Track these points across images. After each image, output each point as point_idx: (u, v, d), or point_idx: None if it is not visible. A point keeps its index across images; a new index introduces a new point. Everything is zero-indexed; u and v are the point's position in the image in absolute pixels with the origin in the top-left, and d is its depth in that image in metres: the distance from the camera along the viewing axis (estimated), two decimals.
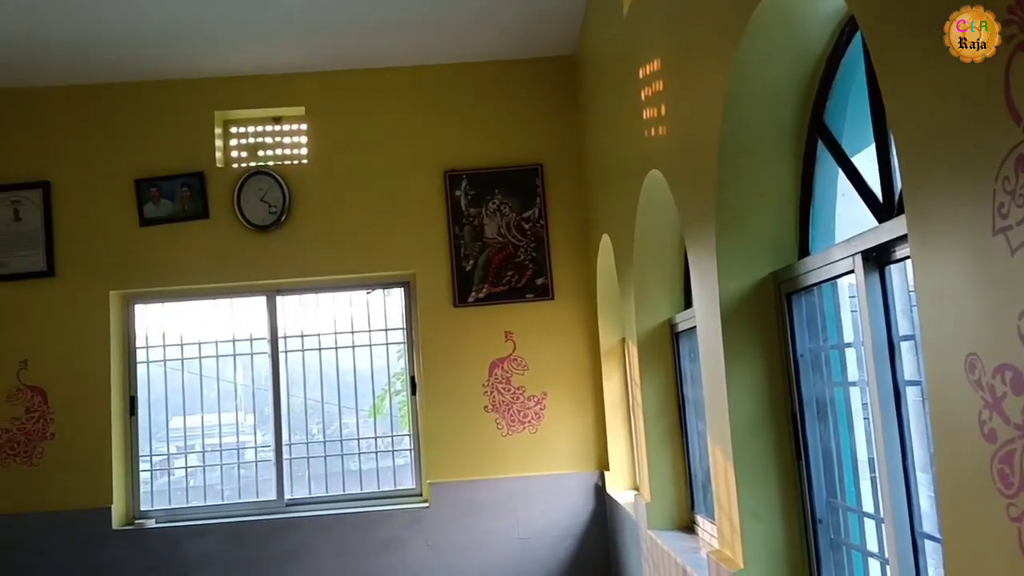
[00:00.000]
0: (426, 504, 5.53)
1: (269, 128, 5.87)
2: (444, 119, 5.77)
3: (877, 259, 1.95)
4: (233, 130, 5.86)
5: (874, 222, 2.01)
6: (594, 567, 5.44)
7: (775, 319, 2.46)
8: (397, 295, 5.93)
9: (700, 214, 2.61)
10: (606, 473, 5.44)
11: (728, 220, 2.43)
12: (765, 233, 2.44)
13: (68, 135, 5.69)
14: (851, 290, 2.25)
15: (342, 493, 5.82)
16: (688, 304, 3.91)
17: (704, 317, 2.68)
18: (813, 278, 2.28)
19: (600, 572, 5.43)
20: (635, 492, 5.09)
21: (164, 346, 5.85)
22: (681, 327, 3.83)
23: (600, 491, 5.51)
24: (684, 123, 2.80)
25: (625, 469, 5.37)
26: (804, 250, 2.44)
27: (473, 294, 5.63)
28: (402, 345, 5.94)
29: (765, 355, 2.45)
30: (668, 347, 3.95)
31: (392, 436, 5.92)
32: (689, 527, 3.85)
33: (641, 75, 3.40)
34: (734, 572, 2.42)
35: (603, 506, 5.48)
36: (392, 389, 6.13)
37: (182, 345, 5.87)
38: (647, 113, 3.35)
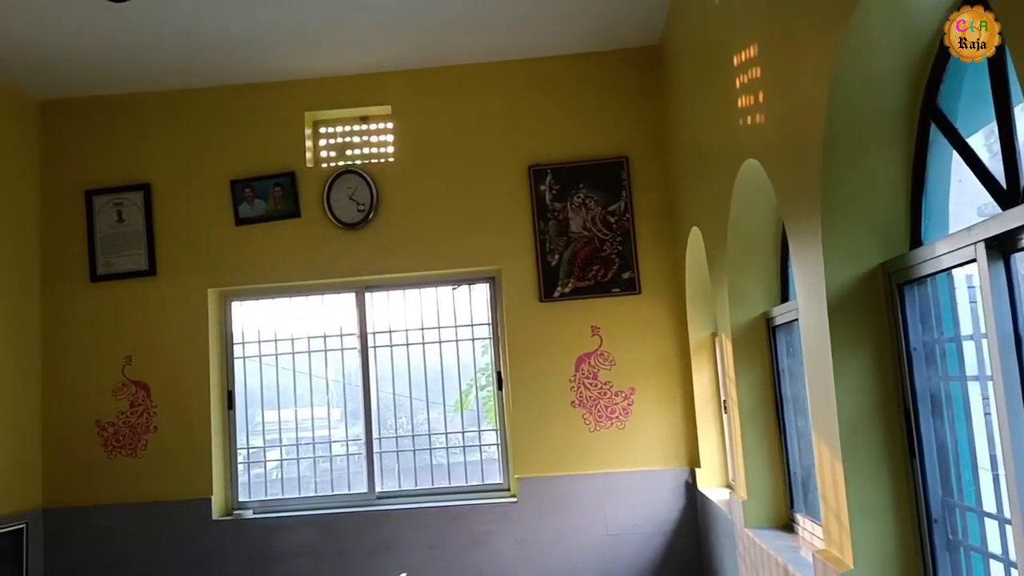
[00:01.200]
0: (514, 499, 5.55)
1: (356, 127, 5.97)
2: (528, 114, 5.77)
3: (1001, 247, 1.86)
4: (322, 130, 5.99)
5: (993, 210, 1.91)
6: (685, 565, 5.36)
7: (885, 311, 2.37)
8: (482, 290, 5.96)
9: (803, 203, 2.54)
10: (697, 470, 5.35)
11: (835, 209, 2.35)
12: (874, 222, 2.35)
13: (167, 139, 5.91)
14: (969, 280, 2.15)
15: (431, 487, 5.89)
16: (784, 297, 3.81)
17: (808, 310, 2.60)
18: (929, 268, 2.19)
19: (691, 570, 5.35)
20: (729, 490, 5.01)
21: (259, 342, 6.02)
22: (779, 321, 3.73)
23: (691, 488, 5.43)
24: (785, 110, 2.73)
25: (717, 466, 5.28)
26: (915, 239, 2.34)
27: (559, 289, 5.62)
28: (487, 340, 5.96)
29: (875, 348, 2.36)
30: (764, 341, 3.86)
31: (479, 431, 5.95)
32: (787, 526, 3.76)
33: (736, 62, 3.32)
34: (843, 572, 2.34)
35: (694, 503, 5.40)
36: (478, 384, 6.16)
37: (276, 341, 6.03)
38: (742, 101, 3.27)
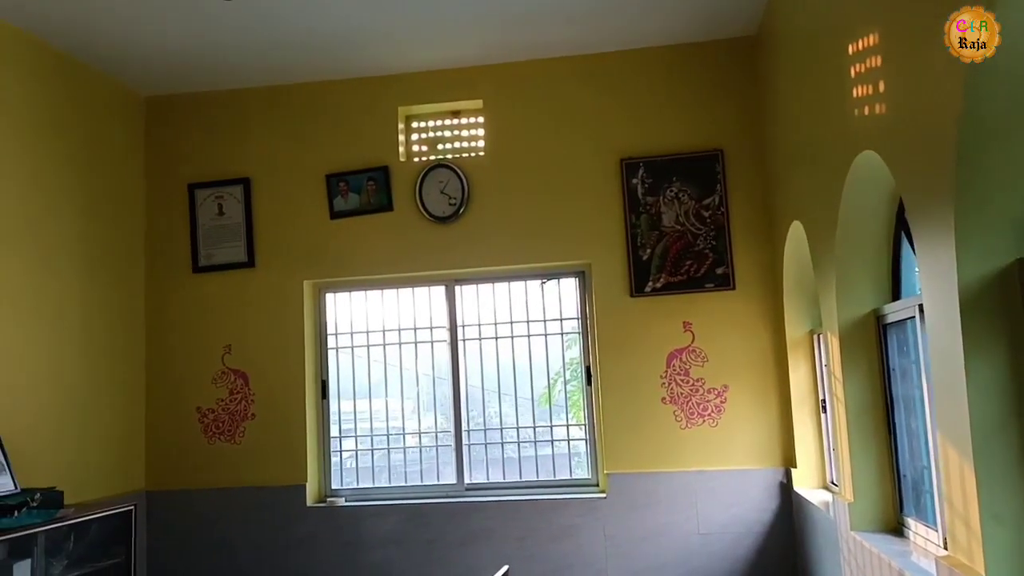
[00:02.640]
0: (603, 494, 5.52)
1: (448, 122, 6.01)
2: (620, 107, 5.72)
3: None
4: (414, 125, 6.05)
5: None
6: (778, 566, 5.25)
7: (1023, 309, 2.26)
8: (571, 284, 5.93)
9: (933, 196, 2.43)
10: (792, 470, 5.22)
11: (969, 202, 2.24)
12: (1013, 215, 2.24)
13: (266, 134, 6.06)
14: None
15: (518, 480, 5.90)
16: (895, 294, 3.68)
17: (936, 307, 2.50)
18: None
19: (784, 572, 5.24)
20: (831, 491, 4.88)
21: (351, 333, 6.13)
22: (891, 319, 3.60)
23: (785, 488, 5.30)
24: (912, 99, 2.62)
25: (814, 466, 5.15)
26: None
27: (650, 284, 5.55)
28: (576, 335, 5.94)
29: (1011, 348, 2.25)
30: (873, 339, 3.73)
31: (567, 425, 5.94)
32: (895, 529, 3.63)
33: (851, 51, 3.21)
34: None
35: (788, 504, 5.28)
36: (565, 378, 6.14)
37: (367, 332, 6.12)
38: (858, 91, 3.16)
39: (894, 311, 3.54)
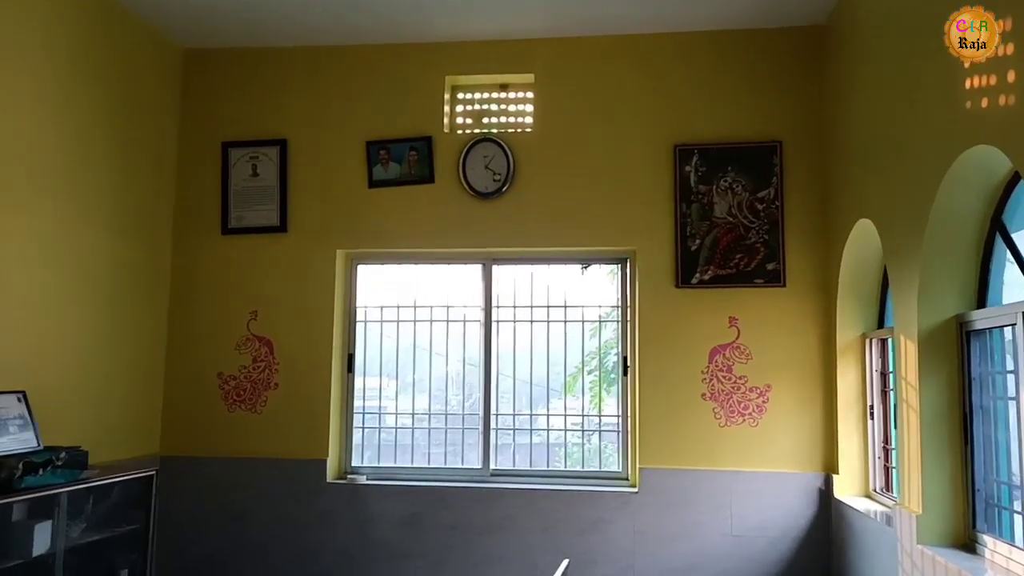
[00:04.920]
0: (634, 489, 5.36)
1: (496, 95, 5.81)
2: (677, 91, 5.52)
3: None
4: (460, 96, 5.84)
5: None
6: (811, 573, 5.09)
7: None
8: (606, 271, 5.75)
9: None
10: (834, 477, 5.06)
11: None
12: None
13: (306, 95, 5.84)
14: None
15: (546, 469, 5.74)
16: (982, 301, 3.51)
17: None
18: None
19: None
20: (875, 500, 4.72)
21: (382, 307, 5.93)
22: (978, 325, 3.43)
23: (824, 495, 5.14)
24: None
25: (856, 473, 5.00)
26: None
27: (697, 275, 5.37)
28: (615, 323, 5.76)
29: None
30: (955, 346, 3.56)
31: (600, 416, 5.77)
32: (966, 545, 3.47)
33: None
34: None
35: (827, 510, 5.12)
36: (603, 368, 5.97)
37: (398, 307, 5.93)
38: (974, 82, 2.97)
39: (984, 318, 3.36)
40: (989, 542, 3.31)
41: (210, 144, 5.88)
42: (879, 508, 4.59)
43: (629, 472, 5.52)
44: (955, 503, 3.52)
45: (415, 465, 5.81)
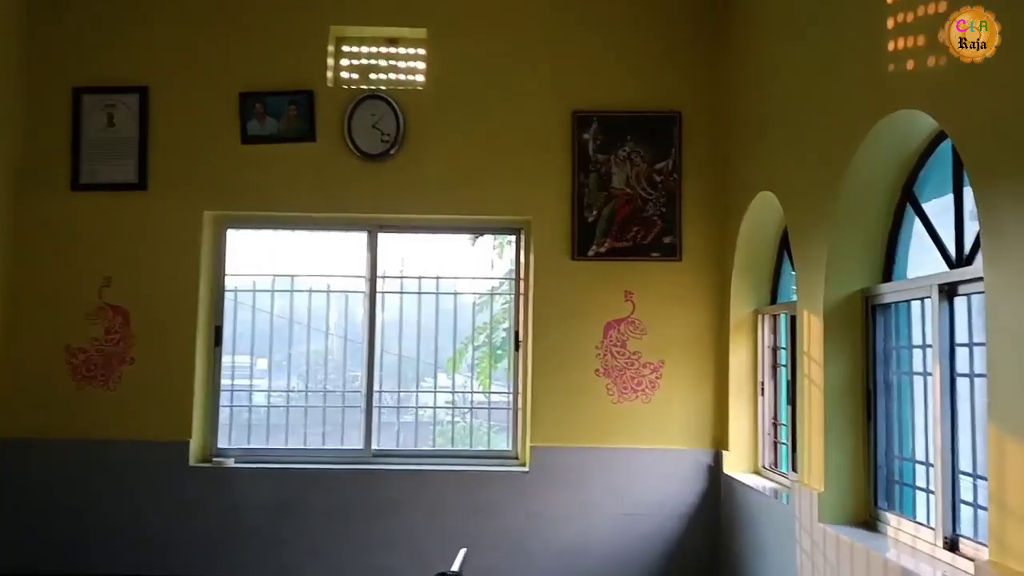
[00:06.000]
0: (525, 468, 5.15)
1: (385, 49, 5.40)
2: (577, 55, 5.29)
3: None
4: (346, 48, 5.40)
5: None
6: (701, 551, 5.04)
7: None
8: (496, 243, 5.51)
9: (1014, 166, 2.15)
10: (724, 453, 5.01)
11: None
12: None
13: (172, 38, 5.26)
14: None
15: (432, 448, 5.46)
16: (887, 275, 3.45)
17: (1007, 286, 2.21)
18: None
19: (706, 557, 5.03)
20: (766, 476, 4.68)
21: (254, 276, 5.46)
22: (886, 299, 3.36)
23: (713, 471, 5.09)
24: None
25: (747, 450, 4.97)
26: None
27: (594, 248, 5.19)
28: (507, 297, 5.52)
29: None
30: (860, 321, 3.49)
31: (487, 392, 5.52)
32: (867, 523, 3.42)
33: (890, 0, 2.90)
34: None
35: (715, 487, 5.07)
36: (492, 343, 5.72)
37: (274, 277, 5.48)
38: (895, 45, 2.86)
39: (895, 291, 3.29)
40: (892, 519, 3.27)
41: (59, 89, 5.19)
42: (770, 484, 4.56)
43: (519, 451, 5.30)
44: (857, 480, 3.47)
45: (290, 447, 5.40)
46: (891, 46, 2.90)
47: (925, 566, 2.82)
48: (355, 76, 5.36)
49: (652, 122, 5.21)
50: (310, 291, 5.48)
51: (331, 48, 5.31)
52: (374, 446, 5.34)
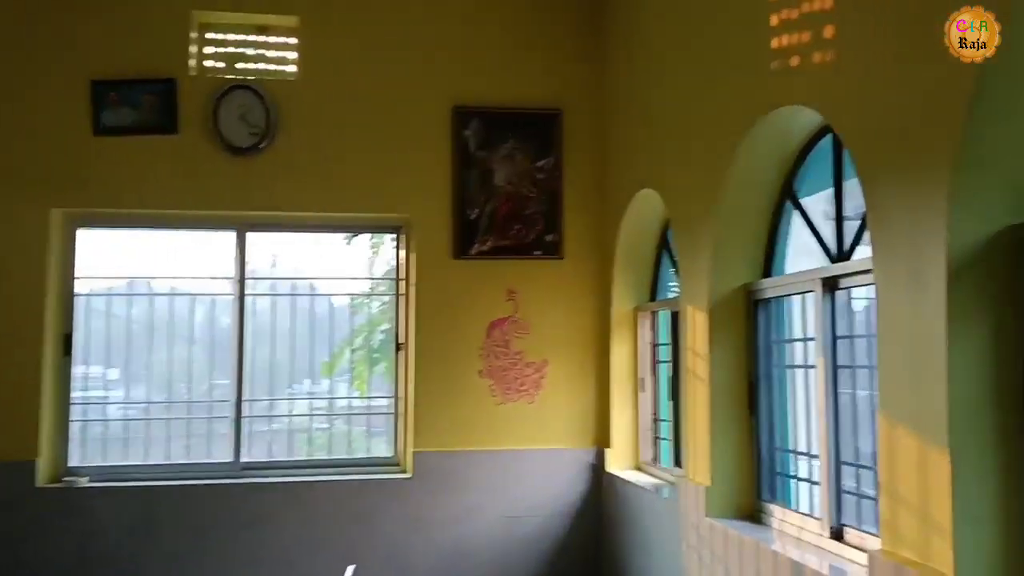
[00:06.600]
0: (407, 475, 4.98)
1: (253, 38, 5.11)
2: (458, 49, 5.17)
3: None
4: (211, 35, 5.07)
5: None
6: (585, 550, 5.02)
7: (1014, 275, 2.05)
8: (373, 242, 5.32)
9: (912, 156, 2.18)
10: (606, 450, 5.01)
11: (968, 165, 2.00)
12: (1011, 180, 2.03)
13: (10, 18, 4.77)
14: None
15: (307, 459, 5.20)
16: (767, 271, 3.50)
17: (896, 278, 2.25)
18: None
19: (591, 556, 5.02)
20: (648, 472, 4.71)
21: (108, 279, 5.04)
22: (768, 294, 3.41)
23: (596, 470, 5.08)
24: (881, 48, 2.35)
25: (629, 447, 4.99)
26: None
27: (476, 246, 5.08)
28: (386, 298, 5.33)
29: (999, 323, 2.03)
30: (743, 316, 3.52)
31: (368, 397, 5.32)
32: (752, 515, 3.46)
33: None
34: None
35: (598, 486, 5.06)
36: (371, 345, 5.51)
37: (131, 280, 5.08)
38: (780, 42, 2.89)
39: (777, 286, 3.34)
40: (777, 511, 3.32)
41: None
42: (652, 480, 4.58)
43: (401, 457, 5.12)
44: (742, 474, 3.50)
45: (150, 462, 5.01)
46: (775, 43, 2.93)
47: (812, 556, 2.86)
48: (221, 65, 5.04)
49: (534, 119, 5.15)
50: (171, 294, 5.11)
51: (194, 35, 4.97)
52: (243, 458, 5.03)
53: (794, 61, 2.79)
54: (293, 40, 5.08)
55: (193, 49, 4.96)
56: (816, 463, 3.08)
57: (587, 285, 5.18)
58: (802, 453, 3.32)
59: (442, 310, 5.04)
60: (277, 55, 5.10)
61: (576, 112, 5.21)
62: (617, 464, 4.96)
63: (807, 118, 2.98)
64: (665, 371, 4.78)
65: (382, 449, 5.23)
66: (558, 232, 5.15)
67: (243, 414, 5.04)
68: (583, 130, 5.21)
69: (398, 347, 5.17)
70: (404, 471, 5.05)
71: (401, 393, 5.14)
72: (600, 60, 5.21)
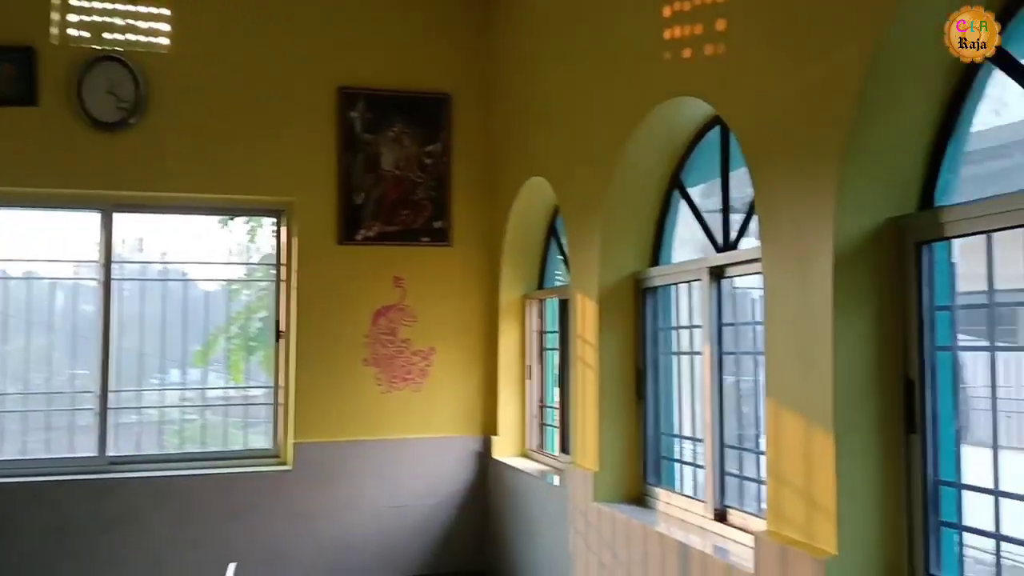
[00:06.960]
0: (287, 467, 4.82)
1: (120, 7, 4.78)
2: (344, 27, 5.02)
3: None
4: (74, 2, 4.70)
5: None
6: (471, 537, 5.01)
7: (895, 270, 2.15)
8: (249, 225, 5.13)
9: (802, 148, 2.25)
10: (493, 438, 5.00)
11: (857, 159, 2.08)
12: (892, 175, 2.12)
13: None
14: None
15: (180, 452, 4.95)
16: (654, 259, 3.57)
17: (784, 267, 2.32)
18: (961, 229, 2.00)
19: (478, 543, 5.01)
20: (535, 459, 4.73)
21: None
22: (656, 282, 3.47)
23: (483, 457, 5.07)
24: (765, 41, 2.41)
25: (515, 434, 5.01)
26: (928, 197, 2.15)
27: (362, 232, 4.96)
28: (265, 284, 5.13)
29: (880, 312, 2.13)
30: (631, 304, 3.58)
31: (245, 387, 5.11)
32: (638, 499, 3.53)
33: None
34: (825, 560, 2.09)
35: (485, 473, 5.06)
36: (248, 333, 5.29)
37: None
38: (672, 33, 2.93)
39: (665, 275, 3.41)
40: (662, 495, 3.39)
41: None
42: (538, 467, 4.61)
43: (281, 449, 4.95)
44: (630, 459, 3.56)
45: (4, 458, 4.65)
46: (667, 34, 2.97)
47: (696, 538, 2.93)
48: (86, 34, 4.69)
49: (422, 103, 5.07)
50: (28, 279, 4.75)
51: (56, 1, 4.61)
52: (110, 452, 4.74)
53: (686, 53, 2.84)
54: (166, 11, 4.78)
55: (55, 16, 4.58)
56: (701, 447, 3.16)
57: (475, 272, 5.15)
58: (687, 437, 3.40)
59: (326, 297, 4.90)
60: (148, 26, 4.79)
61: (466, 97, 5.16)
62: (504, 451, 4.96)
63: (697, 109, 3.04)
64: (552, 359, 4.81)
65: (260, 441, 5.04)
66: (446, 219, 5.09)
67: (109, 405, 4.74)
68: (473, 115, 5.16)
69: (278, 335, 4.99)
70: (284, 463, 4.89)
71: (281, 382, 4.97)
72: (491, 46, 5.18)
